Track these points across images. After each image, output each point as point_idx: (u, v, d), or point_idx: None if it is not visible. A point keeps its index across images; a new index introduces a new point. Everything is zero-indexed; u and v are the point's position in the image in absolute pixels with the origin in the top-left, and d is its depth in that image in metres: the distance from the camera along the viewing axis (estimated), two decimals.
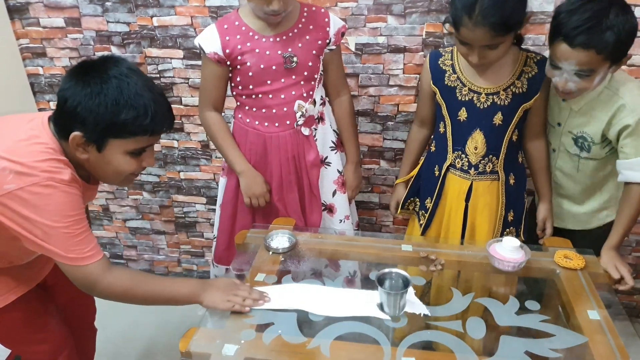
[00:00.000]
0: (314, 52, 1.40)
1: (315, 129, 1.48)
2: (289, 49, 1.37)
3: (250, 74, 1.38)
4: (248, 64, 1.37)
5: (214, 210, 2.14)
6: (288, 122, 1.43)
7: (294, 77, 1.39)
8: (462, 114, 1.33)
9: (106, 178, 1.08)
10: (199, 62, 1.84)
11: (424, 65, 1.40)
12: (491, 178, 1.37)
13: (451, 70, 1.33)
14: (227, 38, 1.36)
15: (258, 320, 1.05)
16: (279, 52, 1.37)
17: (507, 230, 1.42)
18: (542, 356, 0.97)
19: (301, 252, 1.29)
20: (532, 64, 1.28)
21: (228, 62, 1.39)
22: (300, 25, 1.38)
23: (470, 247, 1.33)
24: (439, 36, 1.65)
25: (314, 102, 1.44)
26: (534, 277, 1.24)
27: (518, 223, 1.44)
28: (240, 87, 1.43)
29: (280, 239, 1.32)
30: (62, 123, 1.00)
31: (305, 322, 1.05)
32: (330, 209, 1.58)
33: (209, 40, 1.37)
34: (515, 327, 1.04)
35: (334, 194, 1.56)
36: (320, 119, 1.49)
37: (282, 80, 1.39)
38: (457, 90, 1.32)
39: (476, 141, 1.33)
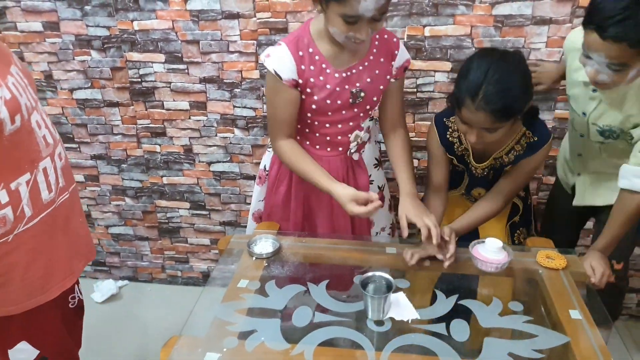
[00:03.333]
0: (381, 87, 1.32)
1: (363, 151, 1.44)
2: (358, 84, 1.28)
3: (313, 106, 1.29)
4: (315, 97, 1.27)
5: (197, 215, 2.12)
6: (340, 149, 1.38)
7: (355, 110, 1.32)
8: (465, 176, 1.44)
9: None
10: (181, 66, 1.83)
11: (431, 133, 1.37)
12: None
13: (458, 143, 1.34)
14: (303, 67, 1.24)
15: (240, 328, 1.04)
16: (347, 86, 1.27)
17: (518, 231, 1.47)
18: (525, 357, 0.97)
19: (285, 257, 1.29)
20: (524, 143, 1.27)
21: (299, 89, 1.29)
22: (371, 57, 1.28)
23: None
24: (420, 39, 1.66)
25: (367, 129, 1.41)
26: (517, 278, 1.24)
27: (528, 223, 1.50)
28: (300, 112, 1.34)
29: (263, 244, 1.31)
30: None
31: (289, 329, 1.04)
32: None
33: (286, 67, 1.23)
34: (499, 328, 1.05)
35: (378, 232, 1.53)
36: (368, 139, 1.45)
37: (344, 112, 1.31)
38: (465, 157, 1.37)
39: (480, 191, 1.44)
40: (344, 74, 1.26)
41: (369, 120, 1.40)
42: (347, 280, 1.27)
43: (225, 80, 1.82)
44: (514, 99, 1.11)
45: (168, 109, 1.91)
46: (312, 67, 1.24)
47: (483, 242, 1.21)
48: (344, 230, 1.46)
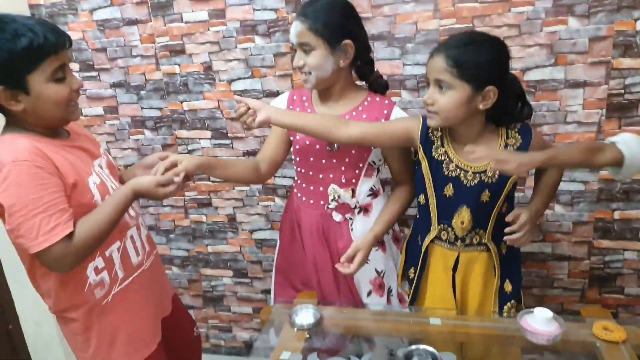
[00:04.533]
0: None
1: (351, 218, 1.42)
2: None
3: (297, 147, 1.42)
4: (297, 137, 1.40)
5: (240, 283, 2.15)
6: (322, 202, 1.42)
7: (334, 160, 1.38)
8: (449, 190, 1.26)
9: (52, 115, 1.09)
10: (226, 142, 1.94)
11: (414, 122, 1.30)
12: (479, 249, 1.29)
13: (439, 143, 1.27)
14: (291, 107, 1.43)
15: None
16: None
17: (509, 304, 1.31)
18: None
19: (326, 328, 1.27)
20: (515, 134, 1.23)
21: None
22: (354, 113, 1.36)
23: (502, 319, 1.28)
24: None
25: (353, 192, 1.40)
26: (572, 351, 1.17)
27: (517, 295, 1.34)
28: (292, 156, 1.48)
29: (304, 314, 1.30)
30: None
31: None
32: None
33: (279, 104, 1.44)
34: None
35: (368, 294, 1.44)
36: (364, 210, 1.42)
37: (323, 161, 1.39)
38: (444, 165, 1.25)
39: (463, 217, 1.26)
40: None
41: (360, 186, 1.40)
42: (390, 353, 1.24)
43: None
44: (474, 56, 1.13)
45: (214, 181, 2.01)
46: (297, 109, 1.42)
47: (532, 312, 1.16)
48: (328, 285, 1.46)
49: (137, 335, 1.23)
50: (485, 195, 1.23)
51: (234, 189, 2.01)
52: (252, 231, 2.06)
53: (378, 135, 1.29)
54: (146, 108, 1.96)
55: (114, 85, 1.96)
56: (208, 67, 1.85)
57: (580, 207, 1.72)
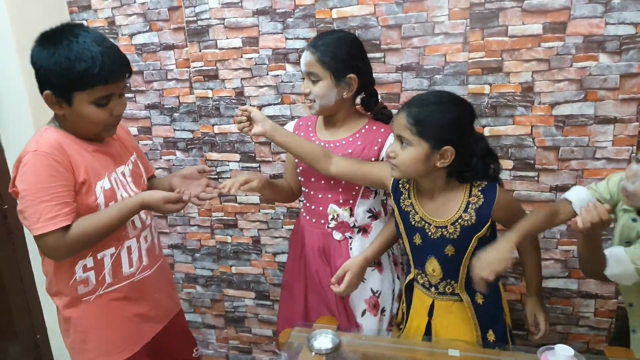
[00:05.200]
0: None
1: (351, 237, 1.46)
2: None
3: (301, 168, 1.49)
4: None
5: (262, 305, 2.17)
6: (322, 222, 1.47)
7: (332, 182, 1.44)
8: (417, 239, 1.30)
9: (85, 130, 1.20)
10: (254, 165, 1.99)
11: (389, 171, 1.30)
12: (453, 299, 1.30)
13: (406, 195, 1.32)
14: (297, 132, 1.50)
15: None
16: None
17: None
18: None
19: (344, 354, 1.27)
20: (477, 192, 1.23)
21: None
22: (350, 139, 1.42)
23: (521, 354, 1.26)
24: None
25: (351, 212, 1.45)
26: None
27: (503, 342, 1.32)
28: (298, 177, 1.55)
29: (323, 340, 1.30)
30: (40, 89, 1.15)
31: None
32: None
33: (288, 128, 1.51)
34: None
35: (362, 313, 1.48)
36: (363, 230, 1.47)
37: (322, 182, 1.45)
38: (410, 215, 1.30)
39: (433, 265, 1.29)
40: (321, 144, 1.43)
41: (357, 207, 1.45)
42: None
43: None
44: (433, 115, 1.17)
45: (240, 203, 2.06)
46: (302, 134, 1.49)
47: (552, 348, 1.14)
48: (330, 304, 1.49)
49: (110, 340, 1.28)
50: (450, 250, 1.25)
51: (259, 211, 2.05)
52: (275, 254, 2.09)
53: (355, 176, 1.37)
54: (178, 130, 2.04)
55: (148, 107, 2.05)
56: (240, 93, 1.92)
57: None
